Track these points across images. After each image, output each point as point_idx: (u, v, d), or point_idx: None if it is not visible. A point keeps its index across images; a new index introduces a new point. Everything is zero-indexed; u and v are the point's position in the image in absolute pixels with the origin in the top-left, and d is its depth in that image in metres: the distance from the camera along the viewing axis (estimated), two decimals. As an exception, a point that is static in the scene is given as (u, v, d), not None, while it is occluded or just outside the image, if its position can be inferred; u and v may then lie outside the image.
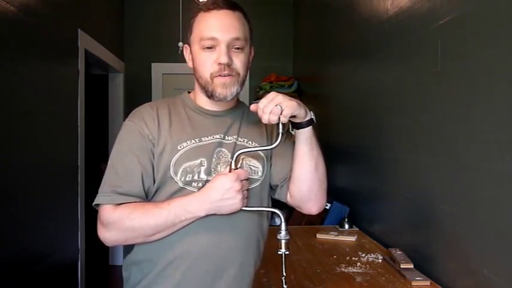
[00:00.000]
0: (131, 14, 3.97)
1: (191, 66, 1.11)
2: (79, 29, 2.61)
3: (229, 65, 1.02)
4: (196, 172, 1.03)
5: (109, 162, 1.05)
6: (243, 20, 1.06)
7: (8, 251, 1.74)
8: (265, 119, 0.97)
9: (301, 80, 3.71)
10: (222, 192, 0.97)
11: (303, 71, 3.73)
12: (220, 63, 1.02)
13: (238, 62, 1.04)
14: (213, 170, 1.04)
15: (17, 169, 1.83)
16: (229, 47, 1.02)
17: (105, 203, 1.00)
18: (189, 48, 1.11)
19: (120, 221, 0.99)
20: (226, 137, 1.09)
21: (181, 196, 1.00)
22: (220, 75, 1.03)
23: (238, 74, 1.05)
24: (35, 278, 1.99)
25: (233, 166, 1.00)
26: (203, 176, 1.03)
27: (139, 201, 1.01)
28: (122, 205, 1.00)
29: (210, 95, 1.06)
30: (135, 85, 3.93)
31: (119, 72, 3.78)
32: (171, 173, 1.02)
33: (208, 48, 1.03)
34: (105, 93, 3.80)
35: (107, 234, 1.01)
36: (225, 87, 1.04)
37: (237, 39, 1.03)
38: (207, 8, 1.04)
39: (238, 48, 1.04)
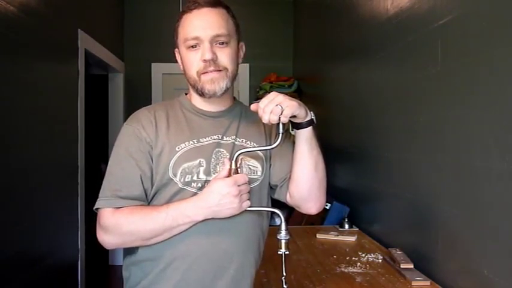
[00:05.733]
0: (131, 14, 3.97)
1: (182, 69, 1.12)
2: (79, 29, 2.61)
3: (214, 61, 1.03)
4: (195, 173, 1.03)
5: (108, 167, 1.06)
6: (226, 16, 1.07)
7: (8, 251, 1.74)
8: (265, 118, 0.97)
9: (301, 80, 3.71)
10: (219, 198, 0.96)
11: (303, 71, 3.73)
12: (205, 60, 1.03)
13: (224, 56, 1.05)
14: (212, 170, 1.05)
15: (17, 169, 1.83)
16: (212, 43, 1.03)
17: (107, 207, 1.01)
18: (179, 51, 1.11)
19: (118, 225, 1.00)
20: (224, 137, 1.09)
21: (179, 200, 1.01)
22: (206, 72, 1.04)
23: (226, 68, 1.06)
24: (35, 278, 1.99)
25: (233, 166, 0.99)
26: (202, 177, 1.04)
27: (139, 205, 1.01)
28: (120, 209, 1.00)
29: (201, 93, 1.07)
30: (135, 85, 3.93)
31: (119, 72, 3.78)
32: (170, 174, 1.02)
33: (192, 47, 1.04)
34: (105, 93, 3.80)
35: (106, 238, 1.02)
36: (213, 83, 1.05)
37: (219, 35, 1.03)
38: (189, 8, 1.05)
39: (222, 43, 1.04)
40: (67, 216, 2.45)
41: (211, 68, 1.04)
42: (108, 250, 3.85)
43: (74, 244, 2.53)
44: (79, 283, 2.57)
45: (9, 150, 1.77)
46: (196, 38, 1.03)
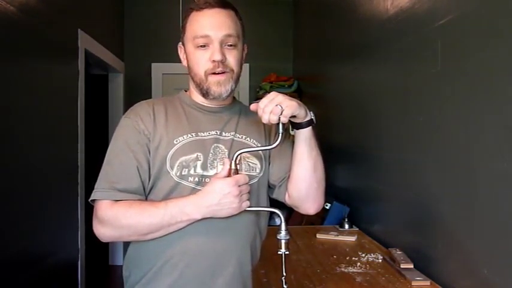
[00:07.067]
0: (131, 14, 3.97)
1: (185, 65, 1.12)
2: (79, 29, 2.61)
3: (223, 62, 1.04)
4: (192, 166, 1.04)
5: (106, 158, 1.06)
6: (235, 18, 1.08)
7: (8, 251, 1.74)
8: (265, 118, 0.97)
9: (301, 80, 3.71)
10: (220, 197, 0.97)
11: (303, 71, 3.73)
12: (214, 61, 1.04)
13: (232, 58, 1.06)
14: (209, 165, 1.05)
15: (17, 169, 1.83)
16: (222, 44, 1.04)
17: (105, 198, 1.01)
18: (183, 47, 1.12)
19: (116, 218, 0.99)
20: (223, 133, 1.10)
21: (179, 197, 1.01)
22: (214, 73, 1.05)
23: (232, 70, 1.07)
24: (35, 278, 1.99)
25: (233, 166, 0.99)
26: (199, 171, 1.04)
27: (138, 199, 1.02)
28: (119, 202, 1.00)
29: (205, 93, 1.08)
30: (135, 85, 3.93)
31: (119, 72, 3.78)
32: (167, 167, 1.03)
33: (201, 46, 1.05)
34: (105, 93, 3.80)
35: (102, 230, 1.02)
36: (220, 85, 1.06)
37: (229, 36, 1.04)
38: (199, 7, 1.06)
39: (231, 45, 1.06)
40: (67, 216, 2.45)
41: (220, 69, 1.04)
42: (108, 250, 3.85)
43: (74, 244, 2.53)
44: (79, 283, 2.57)
45: (9, 150, 1.76)
46: (206, 37, 1.03)
